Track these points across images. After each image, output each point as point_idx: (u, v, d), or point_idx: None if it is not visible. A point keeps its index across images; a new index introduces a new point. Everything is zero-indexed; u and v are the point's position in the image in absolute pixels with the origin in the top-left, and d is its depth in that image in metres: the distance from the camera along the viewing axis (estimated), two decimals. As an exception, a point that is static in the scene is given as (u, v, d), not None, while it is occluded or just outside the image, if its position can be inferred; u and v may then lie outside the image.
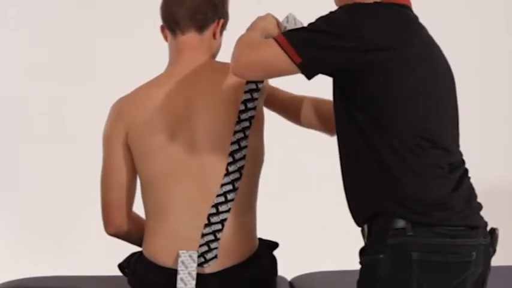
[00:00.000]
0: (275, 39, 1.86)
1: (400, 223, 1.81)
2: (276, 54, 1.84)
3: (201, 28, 2.17)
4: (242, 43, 1.92)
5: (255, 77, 2.00)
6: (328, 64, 1.84)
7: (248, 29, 1.99)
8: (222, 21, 2.19)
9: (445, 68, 1.94)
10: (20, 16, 4.21)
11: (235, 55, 1.91)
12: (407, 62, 1.83)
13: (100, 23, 4.22)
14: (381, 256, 1.82)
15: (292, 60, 1.83)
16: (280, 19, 2.04)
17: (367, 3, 1.88)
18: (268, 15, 2.05)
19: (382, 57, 1.81)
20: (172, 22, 2.17)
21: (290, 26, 2.00)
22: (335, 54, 1.81)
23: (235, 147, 2.08)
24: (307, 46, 1.83)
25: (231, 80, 2.11)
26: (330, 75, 1.89)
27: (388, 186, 1.84)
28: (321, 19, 1.86)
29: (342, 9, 1.88)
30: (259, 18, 2.03)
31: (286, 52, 1.83)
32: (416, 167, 1.82)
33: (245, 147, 2.09)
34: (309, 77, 1.86)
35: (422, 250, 1.80)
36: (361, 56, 1.80)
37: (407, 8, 1.94)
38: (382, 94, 1.83)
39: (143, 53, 4.07)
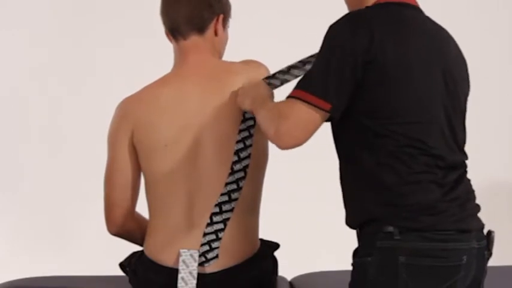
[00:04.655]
0: (295, 96, 1.81)
1: (389, 228, 1.81)
2: (307, 111, 1.79)
3: (200, 30, 2.16)
4: (265, 121, 1.88)
5: (301, 141, 1.84)
6: (346, 88, 1.81)
7: (253, 107, 1.98)
8: (221, 16, 2.19)
9: (443, 71, 1.88)
10: (20, 16, 4.21)
11: (269, 134, 1.85)
12: (388, 74, 1.80)
13: (100, 22, 4.22)
14: (369, 259, 1.82)
15: (323, 109, 1.79)
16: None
17: (357, 13, 1.86)
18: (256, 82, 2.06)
19: (367, 71, 1.79)
20: (173, 29, 2.17)
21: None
22: (341, 77, 1.79)
23: (241, 145, 2.08)
24: (328, 88, 1.78)
25: (236, 78, 2.11)
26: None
27: (377, 194, 1.83)
28: (319, 51, 1.84)
29: (330, 28, 1.84)
30: (252, 89, 2.04)
31: (315, 105, 1.79)
32: (404, 174, 1.81)
33: (250, 145, 2.08)
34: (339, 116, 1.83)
35: (409, 254, 1.79)
36: (354, 71, 1.79)
37: (408, 6, 1.90)
38: (368, 106, 1.82)
39: (144, 53, 4.08)
